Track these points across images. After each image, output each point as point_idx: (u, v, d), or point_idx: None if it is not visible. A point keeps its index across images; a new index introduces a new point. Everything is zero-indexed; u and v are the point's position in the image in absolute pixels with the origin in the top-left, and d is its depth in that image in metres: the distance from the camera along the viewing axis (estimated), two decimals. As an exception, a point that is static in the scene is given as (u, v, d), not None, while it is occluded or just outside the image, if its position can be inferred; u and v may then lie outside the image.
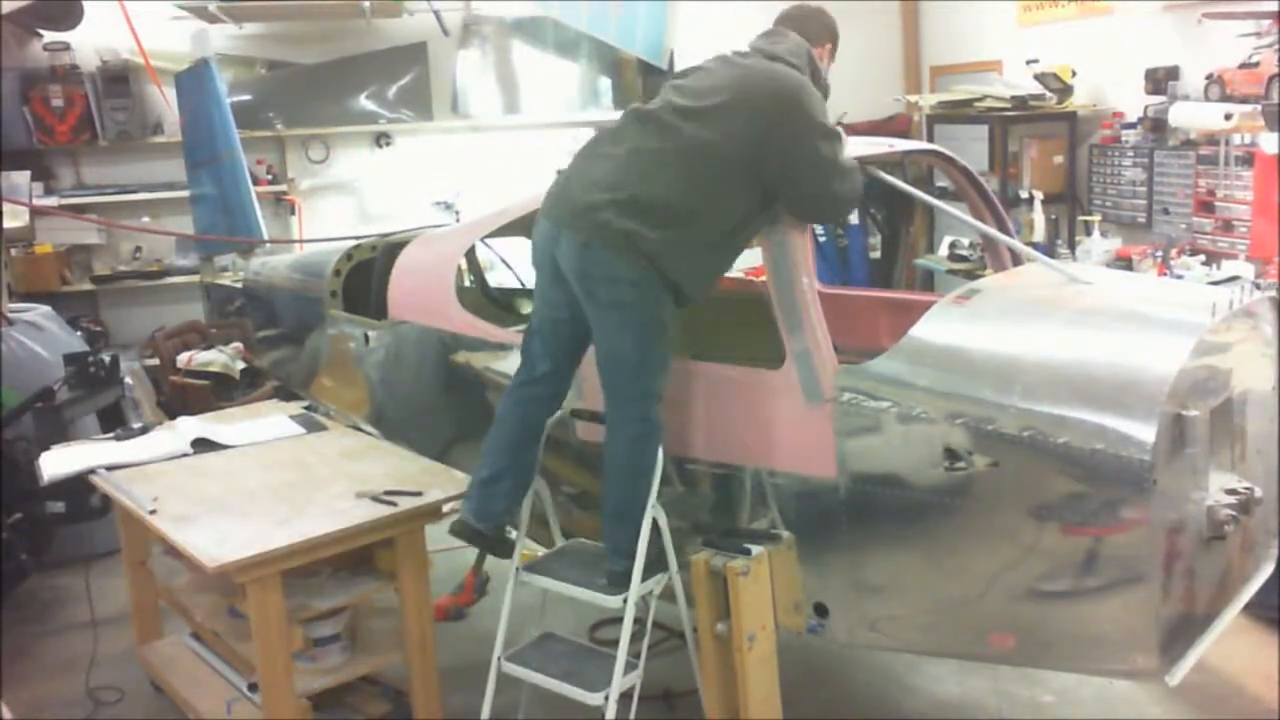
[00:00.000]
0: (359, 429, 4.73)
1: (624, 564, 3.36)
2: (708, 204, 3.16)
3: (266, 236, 6.69)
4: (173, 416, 4.97)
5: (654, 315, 3.23)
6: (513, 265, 5.68)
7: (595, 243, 3.17)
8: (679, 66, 8.25)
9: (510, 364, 4.01)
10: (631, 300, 3.19)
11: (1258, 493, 2.99)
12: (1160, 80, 6.13)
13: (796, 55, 3.31)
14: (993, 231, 3.97)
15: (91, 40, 7.40)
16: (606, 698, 3.26)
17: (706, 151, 3.15)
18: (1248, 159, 5.56)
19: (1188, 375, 2.78)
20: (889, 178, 3.87)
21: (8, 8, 6.74)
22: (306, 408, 4.88)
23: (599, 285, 3.20)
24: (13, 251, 7.15)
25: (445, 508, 3.75)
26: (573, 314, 3.34)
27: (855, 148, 3.71)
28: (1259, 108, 5.26)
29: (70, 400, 5.15)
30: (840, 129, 3.24)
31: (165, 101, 7.34)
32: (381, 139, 8.12)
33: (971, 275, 6.29)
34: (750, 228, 3.28)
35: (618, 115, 3.44)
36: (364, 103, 8.09)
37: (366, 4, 7.32)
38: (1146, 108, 6.26)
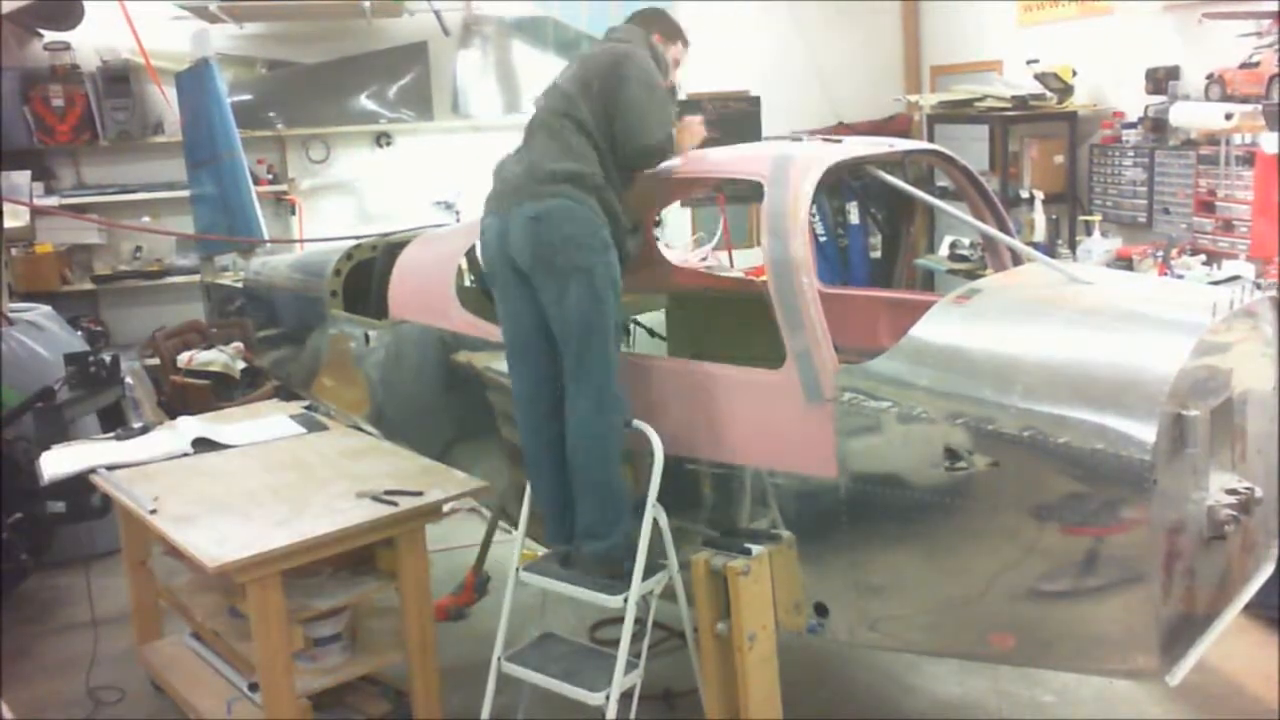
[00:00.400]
0: (359, 429, 4.73)
1: (594, 546, 3.40)
2: (601, 154, 3.49)
3: (267, 236, 6.70)
4: (173, 416, 4.97)
5: (609, 273, 3.38)
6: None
7: (546, 208, 3.35)
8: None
9: (510, 364, 4.01)
10: (588, 263, 3.34)
11: (1258, 492, 2.99)
12: (1161, 80, 6.13)
13: (628, 37, 3.72)
14: (993, 231, 3.97)
15: (92, 40, 7.41)
16: (607, 697, 3.27)
17: (583, 118, 3.49)
18: (1248, 159, 5.56)
19: (1188, 375, 2.78)
20: (889, 177, 3.87)
21: (8, 7, 6.74)
22: (307, 407, 4.87)
23: (555, 253, 3.34)
24: (13, 251, 7.16)
25: (445, 507, 3.75)
26: (538, 306, 3.44)
27: (855, 147, 3.71)
28: (1259, 107, 5.26)
29: (71, 400, 5.15)
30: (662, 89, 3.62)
31: (166, 101, 7.35)
32: (382, 139, 8.12)
33: (972, 275, 6.29)
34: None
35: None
36: (364, 102, 8.09)
37: (367, 4, 7.32)
38: (1147, 107, 6.26)
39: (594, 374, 3.37)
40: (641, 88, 3.52)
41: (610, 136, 3.48)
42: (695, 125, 3.78)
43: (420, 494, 3.64)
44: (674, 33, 3.88)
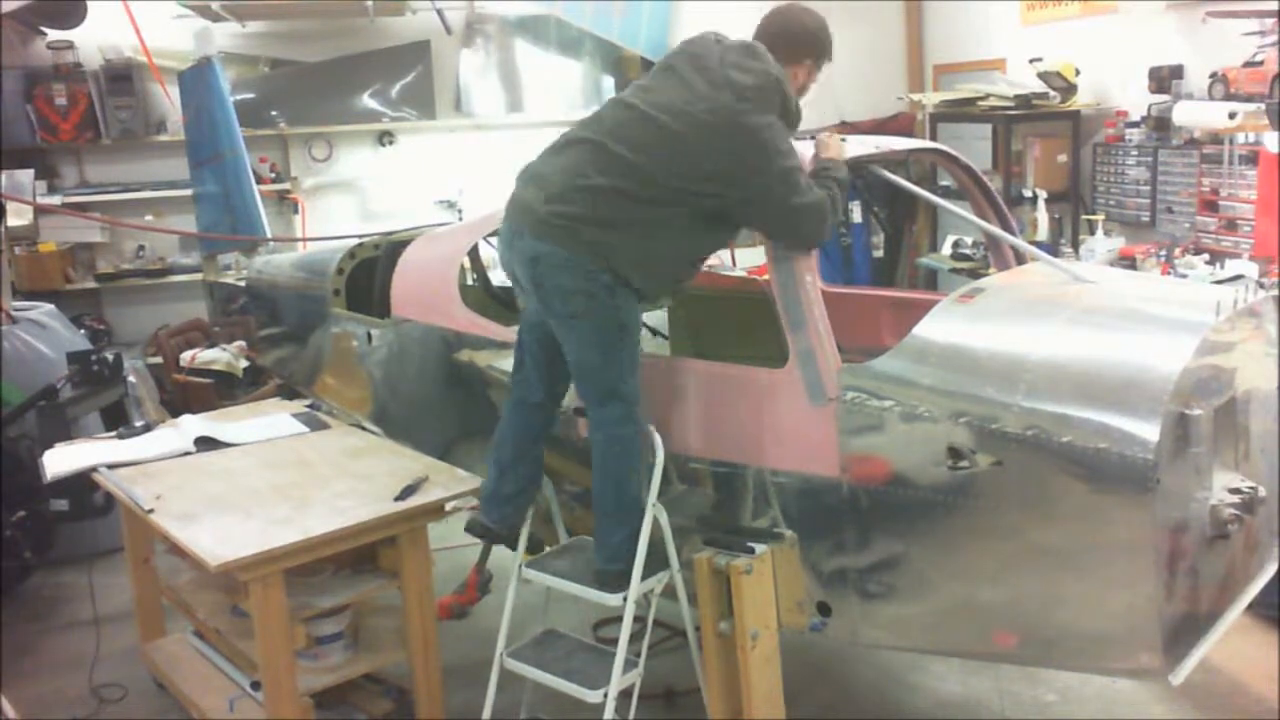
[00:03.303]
0: (362, 427, 4.73)
1: (611, 565, 3.38)
2: (667, 219, 3.13)
3: (269, 235, 6.70)
4: (176, 415, 4.97)
5: (611, 321, 3.20)
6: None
7: (539, 254, 3.15)
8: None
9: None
10: (585, 311, 3.17)
11: (1261, 492, 2.98)
12: (1164, 79, 6.12)
13: (765, 92, 3.11)
14: (996, 230, 3.96)
15: (95, 38, 7.42)
16: (605, 695, 3.26)
17: (668, 174, 3.08)
18: (1252, 158, 5.55)
19: (1191, 374, 2.77)
20: (892, 176, 3.87)
21: (10, 6, 6.74)
22: (309, 406, 4.88)
23: (553, 298, 3.20)
24: (16, 250, 7.16)
25: (448, 506, 3.75)
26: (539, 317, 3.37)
27: (855, 147, 3.70)
28: (1263, 106, 5.25)
29: (73, 398, 5.15)
30: (798, 165, 3.14)
31: (168, 100, 7.35)
32: (384, 137, 8.12)
33: (975, 274, 6.29)
34: (712, 244, 3.39)
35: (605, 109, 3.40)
36: (367, 101, 8.10)
37: (369, 2, 7.32)
38: (1150, 106, 6.25)
39: (600, 410, 3.29)
40: (788, 188, 3.06)
41: (741, 220, 3.22)
42: (833, 142, 3.40)
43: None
44: (812, 48, 3.36)
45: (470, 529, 3.60)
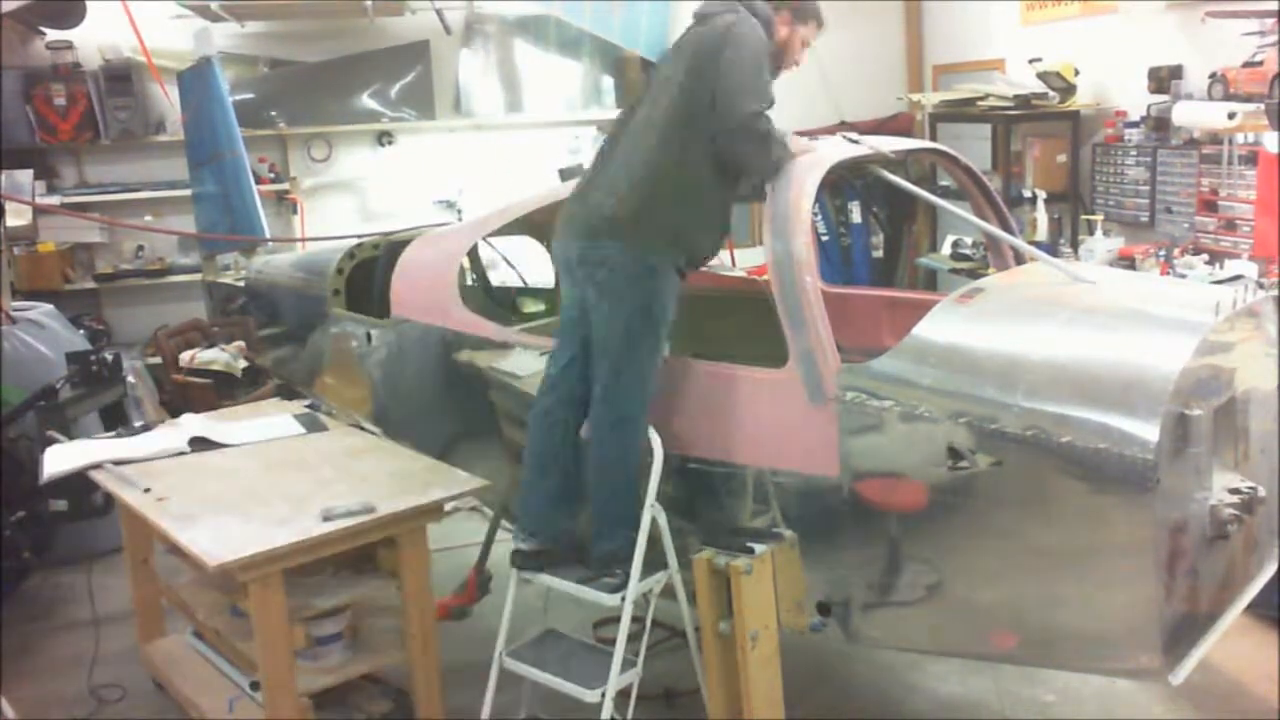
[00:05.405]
0: (361, 428, 4.73)
1: (599, 545, 3.44)
2: (672, 164, 3.36)
3: (268, 235, 6.70)
4: (176, 415, 4.97)
5: (641, 305, 3.35)
6: (515, 264, 5.68)
7: (586, 234, 3.40)
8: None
9: (512, 362, 4.01)
10: (619, 290, 3.33)
11: (1261, 492, 2.98)
12: (1164, 79, 6.12)
13: (729, 8, 3.42)
14: (996, 230, 3.96)
15: (94, 38, 7.41)
16: (603, 695, 3.26)
17: (662, 116, 3.39)
18: (1251, 158, 5.55)
19: (1191, 374, 2.77)
20: (892, 176, 3.87)
21: (10, 6, 6.74)
22: (309, 406, 4.87)
23: (593, 272, 3.37)
24: (15, 250, 7.16)
25: (447, 506, 3.74)
26: (581, 311, 3.46)
27: (855, 148, 3.70)
28: (1262, 106, 5.25)
29: (73, 399, 5.15)
30: (767, 81, 3.36)
31: (168, 100, 7.35)
32: (384, 137, 8.12)
33: (974, 274, 6.29)
34: (721, 195, 3.49)
35: (618, 114, 3.64)
36: (366, 101, 8.09)
37: (369, 2, 7.32)
38: (1150, 106, 6.25)
39: (622, 402, 3.37)
40: (739, 55, 3.27)
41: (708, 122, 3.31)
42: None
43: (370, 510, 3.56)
44: (804, 14, 3.60)
45: (518, 566, 3.59)
